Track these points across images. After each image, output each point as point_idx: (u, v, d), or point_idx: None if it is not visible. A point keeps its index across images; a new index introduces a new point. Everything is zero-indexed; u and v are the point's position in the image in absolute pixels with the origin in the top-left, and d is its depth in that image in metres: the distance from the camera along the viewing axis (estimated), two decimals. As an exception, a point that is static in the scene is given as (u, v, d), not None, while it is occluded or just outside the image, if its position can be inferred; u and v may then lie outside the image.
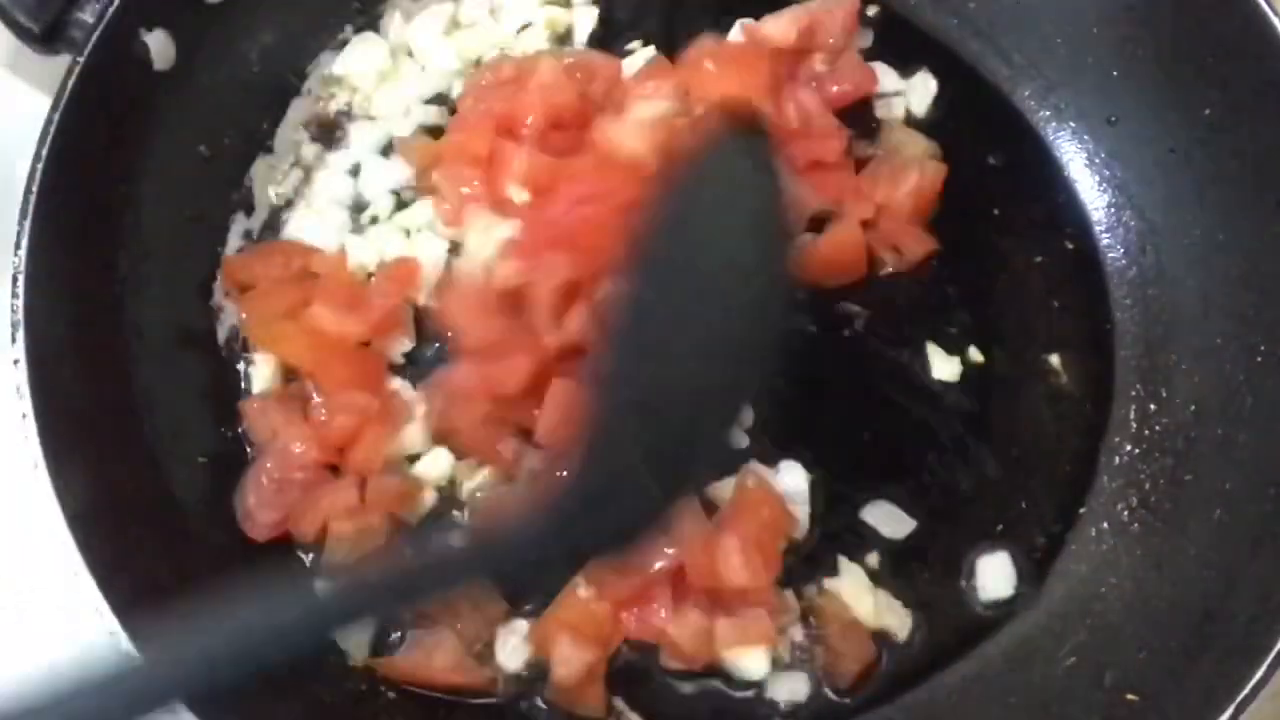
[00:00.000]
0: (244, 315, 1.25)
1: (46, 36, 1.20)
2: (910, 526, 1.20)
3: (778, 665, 1.14)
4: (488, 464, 1.19)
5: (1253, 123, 1.21)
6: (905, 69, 1.38)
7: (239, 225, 1.30)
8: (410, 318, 1.25)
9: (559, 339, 1.13)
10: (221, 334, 1.26)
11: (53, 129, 1.11)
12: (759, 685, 1.14)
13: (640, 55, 1.35)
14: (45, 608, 1.18)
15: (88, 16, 1.19)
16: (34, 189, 1.09)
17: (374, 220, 1.31)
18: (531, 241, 1.17)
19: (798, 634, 1.16)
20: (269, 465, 1.17)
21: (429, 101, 1.37)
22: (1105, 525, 1.21)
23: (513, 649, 1.14)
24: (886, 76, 1.37)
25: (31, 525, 0.99)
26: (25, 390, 1.03)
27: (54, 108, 1.12)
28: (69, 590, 0.98)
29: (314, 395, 1.21)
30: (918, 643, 1.17)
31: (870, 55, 1.38)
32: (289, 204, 1.33)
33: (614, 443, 0.88)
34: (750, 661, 1.13)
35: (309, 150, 1.35)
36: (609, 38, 1.39)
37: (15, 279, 1.06)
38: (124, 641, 0.95)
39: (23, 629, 1.19)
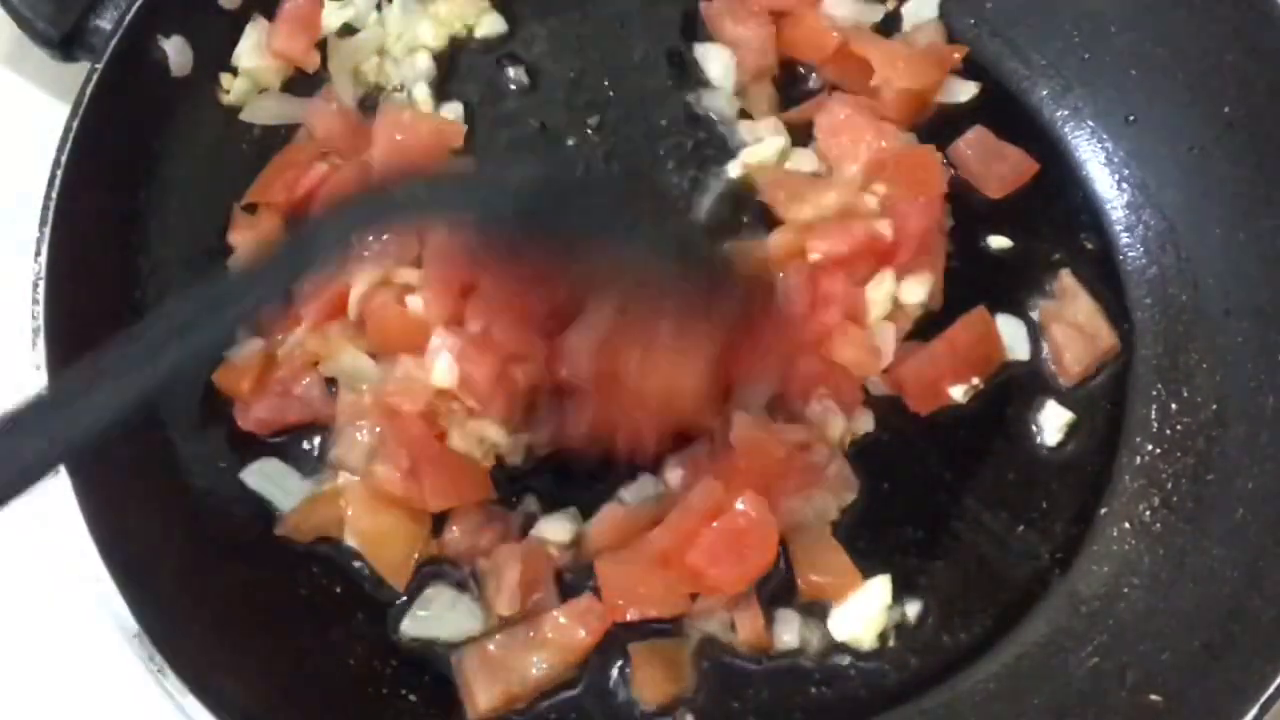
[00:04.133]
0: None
1: (65, 43, 1.21)
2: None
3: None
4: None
5: (1272, 120, 1.21)
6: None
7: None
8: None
9: None
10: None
11: (71, 135, 1.12)
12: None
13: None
14: (67, 608, 1.18)
15: (106, 23, 1.19)
16: (53, 195, 1.09)
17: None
18: None
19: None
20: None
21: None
22: (1127, 525, 1.20)
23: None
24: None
25: (52, 531, 0.99)
26: (47, 396, 1.03)
27: (73, 114, 1.12)
28: (87, 588, 0.99)
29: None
30: (938, 642, 1.17)
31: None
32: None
33: None
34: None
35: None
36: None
37: (36, 285, 1.07)
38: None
39: (41, 631, 1.20)
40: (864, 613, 1.15)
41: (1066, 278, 1.29)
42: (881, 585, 1.16)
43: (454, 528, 1.15)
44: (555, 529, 1.16)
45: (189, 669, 0.97)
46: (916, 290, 1.24)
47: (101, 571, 0.98)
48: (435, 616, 1.15)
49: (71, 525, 0.99)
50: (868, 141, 1.28)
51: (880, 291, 1.23)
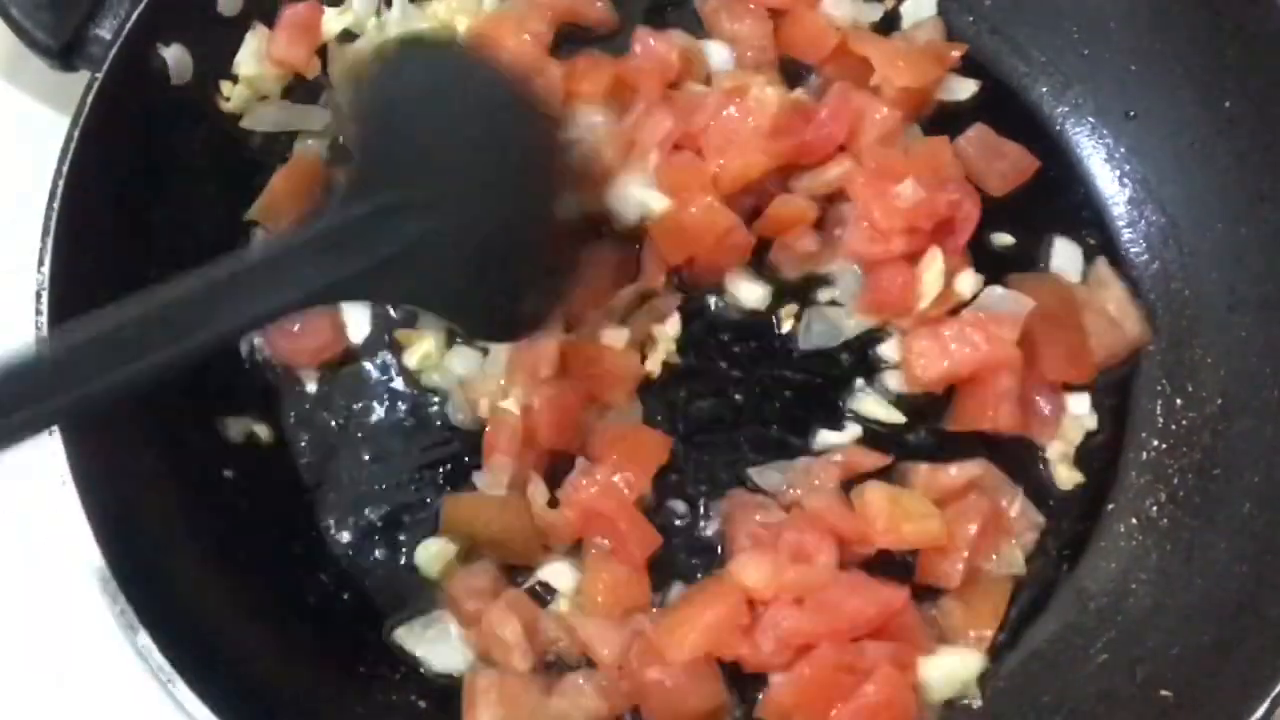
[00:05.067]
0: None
1: (65, 53, 1.20)
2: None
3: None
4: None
5: (1273, 114, 1.21)
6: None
7: (261, 238, 1.29)
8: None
9: None
10: (244, 347, 1.25)
11: (73, 145, 1.11)
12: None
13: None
14: (68, 610, 1.18)
15: (105, 33, 1.19)
16: (55, 206, 1.09)
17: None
18: None
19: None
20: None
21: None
22: (1134, 521, 1.20)
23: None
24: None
25: (61, 541, 0.99)
26: (52, 406, 1.03)
27: (73, 124, 1.12)
28: (100, 605, 0.98)
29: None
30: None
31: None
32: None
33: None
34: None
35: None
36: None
37: (39, 295, 1.07)
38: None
39: (42, 633, 1.20)
40: (954, 672, 1.13)
41: (1102, 266, 1.29)
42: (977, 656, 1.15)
43: (457, 584, 1.14)
44: (557, 575, 1.14)
45: (194, 673, 0.96)
46: (970, 281, 1.24)
47: (107, 576, 0.98)
48: (428, 640, 1.15)
49: (75, 529, 0.99)
50: (880, 116, 1.27)
51: (933, 271, 1.22)
